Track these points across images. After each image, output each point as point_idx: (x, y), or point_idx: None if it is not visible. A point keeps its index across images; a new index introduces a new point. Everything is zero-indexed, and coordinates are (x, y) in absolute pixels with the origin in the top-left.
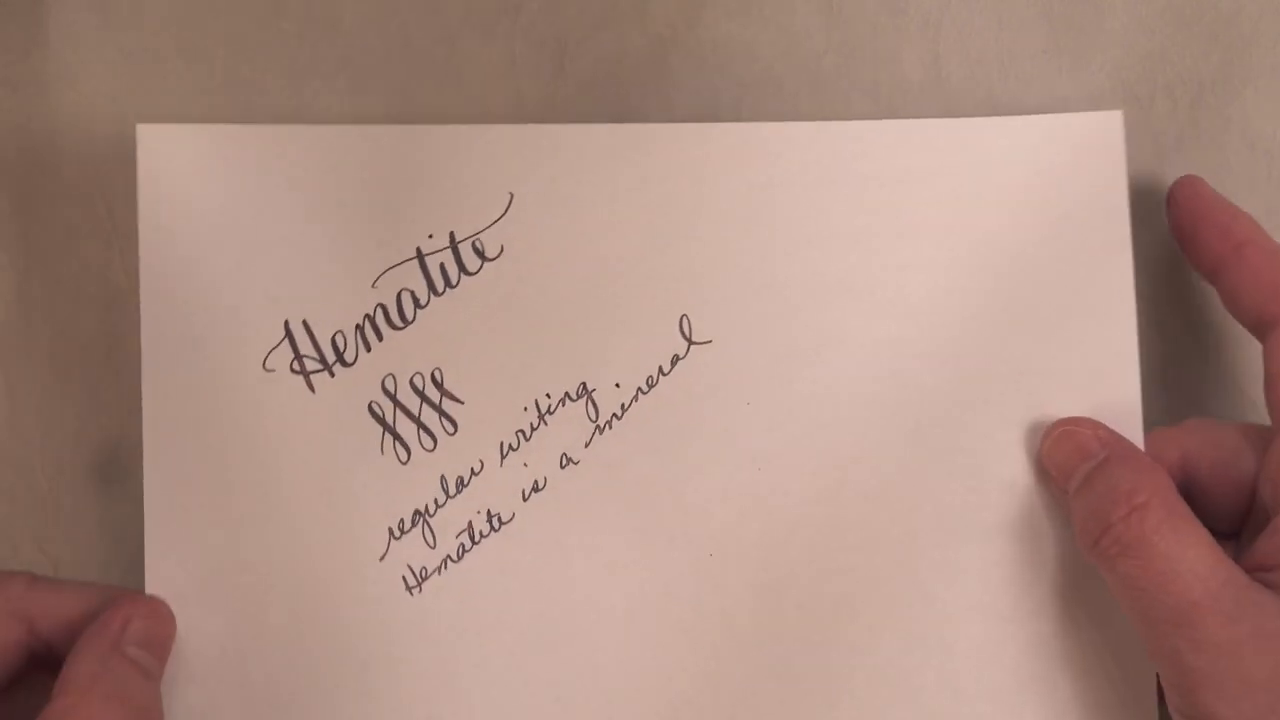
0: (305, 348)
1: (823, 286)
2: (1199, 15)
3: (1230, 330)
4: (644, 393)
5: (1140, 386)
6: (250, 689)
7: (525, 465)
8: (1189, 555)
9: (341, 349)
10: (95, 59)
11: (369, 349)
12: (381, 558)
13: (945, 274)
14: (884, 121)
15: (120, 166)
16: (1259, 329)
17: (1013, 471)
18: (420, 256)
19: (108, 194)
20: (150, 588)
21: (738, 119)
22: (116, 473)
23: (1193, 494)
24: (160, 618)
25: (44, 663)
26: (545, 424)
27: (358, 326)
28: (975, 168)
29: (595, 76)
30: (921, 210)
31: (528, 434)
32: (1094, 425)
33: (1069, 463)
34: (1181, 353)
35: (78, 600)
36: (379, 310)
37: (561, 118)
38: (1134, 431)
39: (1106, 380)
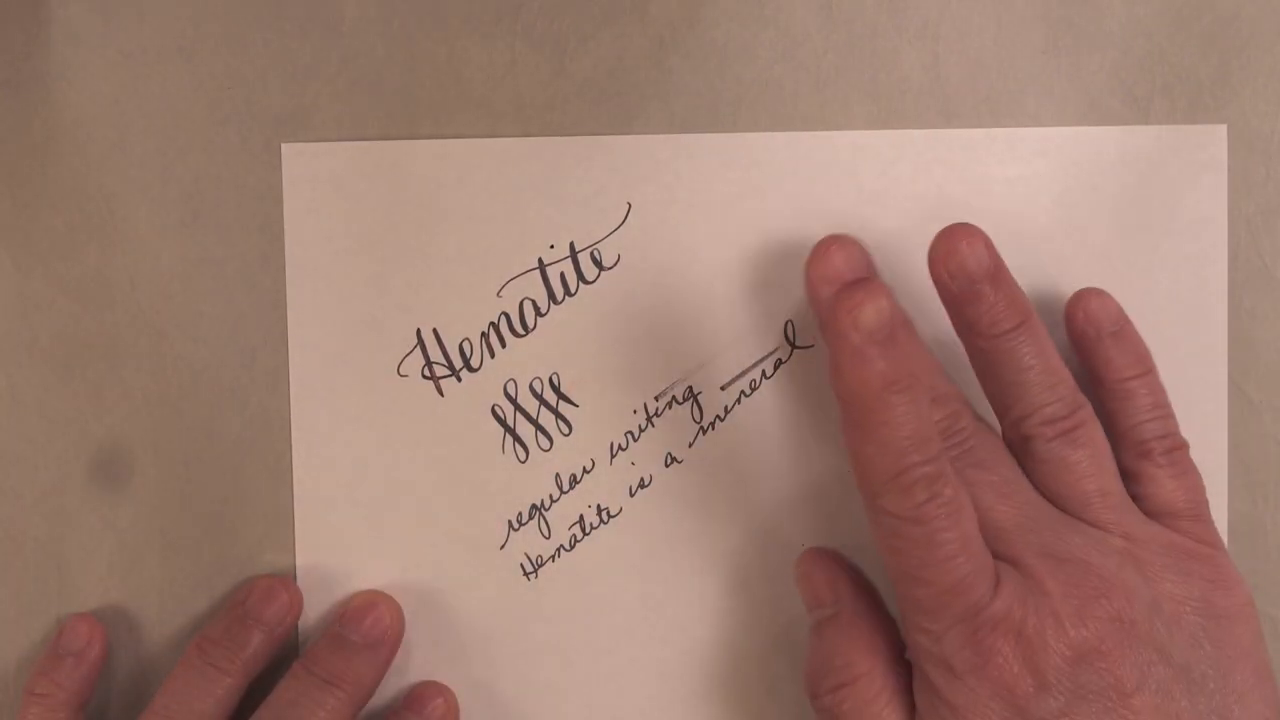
0: (435, 355)
1: (926, 295)
2: (1197, 16)
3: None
4: (747, 395)
5: (1227, 399)
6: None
7: (633, 464)
8: None
9: (468, 355)
10: (95, 59)
11: (493, 355)
12: (501, 547)
13: (1047, 279)
14: (990, 130)
15: (120, 166)
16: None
17: None
18: (542, 266)
19: (108, 194)
20: (301, 571)
21: (737, 119)
22: (118, 472)
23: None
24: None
25: None
26: (653, 425)
27: (483, 334)
28: (1082, 175)
29: (595, 76)
30: (1029, 217)
31: (636, 435)
32: (836, 564)
33: (809, 601)
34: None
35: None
36: (503, 318)
37: (561, 118)
38: (1220, 431)
39: (1195, 388)
